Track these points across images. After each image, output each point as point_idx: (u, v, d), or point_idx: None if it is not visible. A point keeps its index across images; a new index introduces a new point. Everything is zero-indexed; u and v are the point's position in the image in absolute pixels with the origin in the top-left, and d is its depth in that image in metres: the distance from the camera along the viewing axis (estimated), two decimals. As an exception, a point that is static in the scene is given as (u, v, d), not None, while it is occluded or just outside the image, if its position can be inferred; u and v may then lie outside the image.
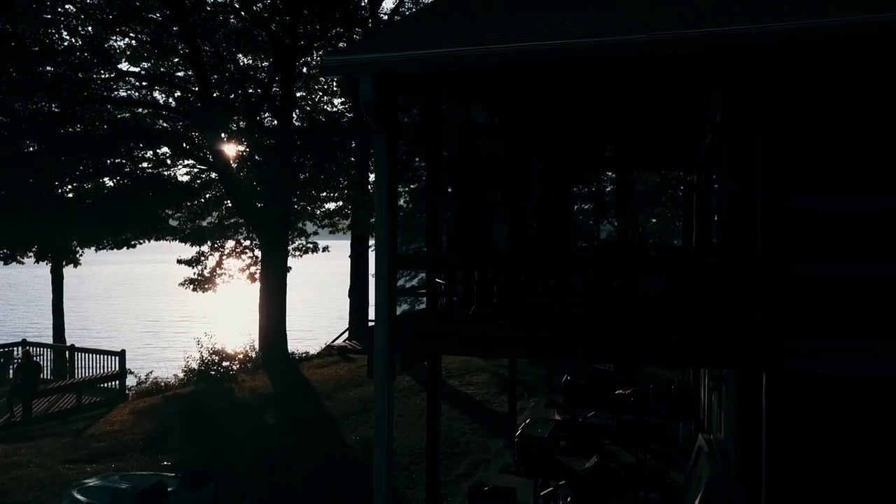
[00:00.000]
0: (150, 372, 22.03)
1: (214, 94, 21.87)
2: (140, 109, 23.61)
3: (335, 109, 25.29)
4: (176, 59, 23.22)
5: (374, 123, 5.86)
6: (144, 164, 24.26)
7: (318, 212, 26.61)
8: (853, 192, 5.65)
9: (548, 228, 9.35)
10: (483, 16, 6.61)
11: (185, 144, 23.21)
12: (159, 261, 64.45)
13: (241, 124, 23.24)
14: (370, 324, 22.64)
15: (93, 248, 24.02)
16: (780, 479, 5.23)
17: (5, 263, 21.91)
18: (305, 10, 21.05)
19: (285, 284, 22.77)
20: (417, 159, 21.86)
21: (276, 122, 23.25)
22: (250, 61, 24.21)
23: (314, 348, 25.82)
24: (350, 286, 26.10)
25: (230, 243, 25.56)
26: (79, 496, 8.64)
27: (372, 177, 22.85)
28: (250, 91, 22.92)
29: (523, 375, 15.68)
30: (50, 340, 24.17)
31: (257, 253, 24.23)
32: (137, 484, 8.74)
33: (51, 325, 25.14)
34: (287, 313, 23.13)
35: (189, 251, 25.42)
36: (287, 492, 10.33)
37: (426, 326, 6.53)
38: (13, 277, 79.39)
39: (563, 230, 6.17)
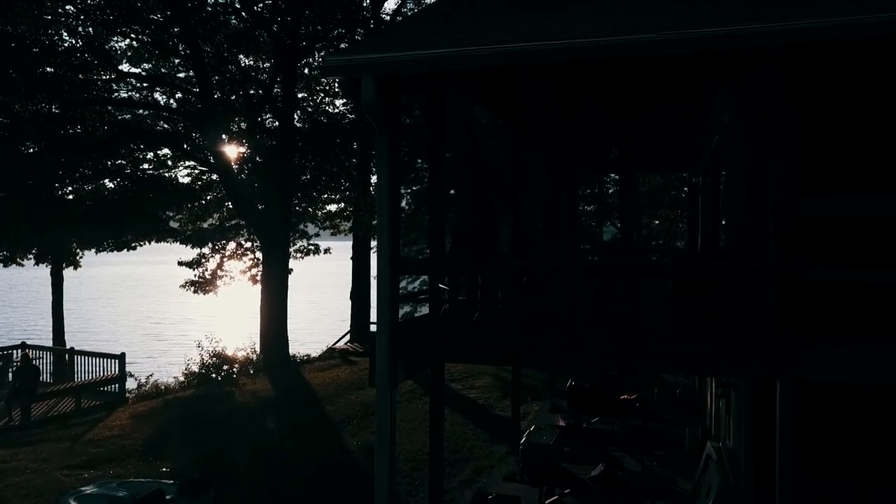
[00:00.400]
0: (151, 374, 21.88)
1: (215, 96, 21.77)
2: (141, 111, 23.50)
3: (337, 111, 25.18)
4: (177, 61, 23.14)
5: (376, 125, 5.72)
6: (145, 166, 24.18)
7: (320, 213, 26.48)
8: (869, 195, 5.50)
9: (554, 232, 9.22)
10: (487, 15, 6.47)
11: (185, 146, 23.10)
12: (160, 262, 64.32)
13: (243, 125, 23.14)
14: (372, 329, 22.53)
15: (93, 250, 23.89)
16: (794, 490, 5.08)
17: (5, 266, 21.79)
18: (307, 10, 20.94)
19: (286, 286, 22.64)
20: (420, 161, 21.73)
21: (277, 123, 23.14)
22: (252, 62, 24.12)
23: (316, 350, 25.68)
24: (352, 288, 25.97)
25: (231, 245, 25.46)
26: (75, 504, 8.51)
27: (374, 178, 22.74)
28: (251, 92, 22.82)
29: (526, 379, 15.53)
30: (50, 343, 24.05)
31: (258, 255, 24.10)
32: (135, 491, 8.58)
33: (51, 327, 25.03)
34: (288, 315, 23.01)
35: (190, 253, 25.34)
36: (288, 498, 10.19)
37: (429, 333, 6.38)
38: (14, 278, 79.38)
39: (571, 236, 6.02)
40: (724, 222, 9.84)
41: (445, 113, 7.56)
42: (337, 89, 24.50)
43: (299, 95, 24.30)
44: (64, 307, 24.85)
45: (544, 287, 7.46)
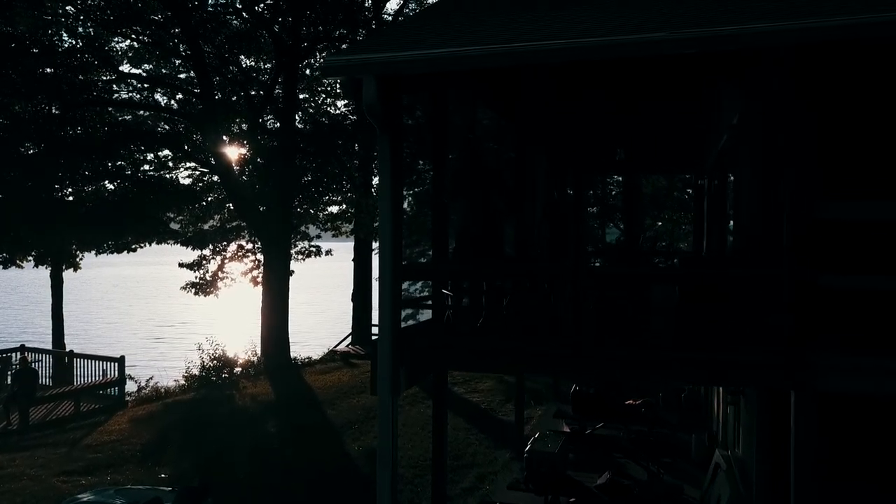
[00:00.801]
0: (151, 377, 21.74)
1: (216, 96, 21.61)
2: (141, 112, 23.35)
3: (338, 112, 25.02)
4: (178, 61, 22.98)
5: (377, 126, 5.57)
6: (146, 167, 24.02)
7: (321, 215, 26.32)
8: (886, 199, 5.33)
9: (557, 235, 9.04)
10: (489, 15, 6.33)
11: (186, 147, 22.95)
12: (161, 262, 64.20)
13: (244, 126, 23.00)
14: (374, 336, 22.38)
15: (93, 252, 23.75)
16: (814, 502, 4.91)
17: (4, 268, 21.66)
18: (308, 10, 20.79)
19: (288, 288, 22.48)
20: (422, 162, 21.58)
21: (278, 124, 22.99)
22: (253, 63, 23.96)
23: (317, 352, 25.54)
24: (353, 290, 25.81)
25: (232, 247, 25.32)
26: (71, 512, 8.34)
27: (375, 180, 22.58)
28: (252, 93, 22.67)
29: (530, 383, 15.36)
30: (49, 345, 23.91)
31: (259, 256, 23.95)
32: (132, 499, 8.41)
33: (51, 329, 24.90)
34: (290, 317, 22.84)
35: (191, 254, 25.17)
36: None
37: (432, 340, 6.22)
38: (15, 279, 79.29)
39: (579, 240, 5.85)
40: (730, 225, 9.68)
41: (448, 114, 7.42)
42: (338, 90, 24.36)
43: (300, 96, 24.16)
44: (64, 309, 24.72)
45: (550, 292, 7.30)
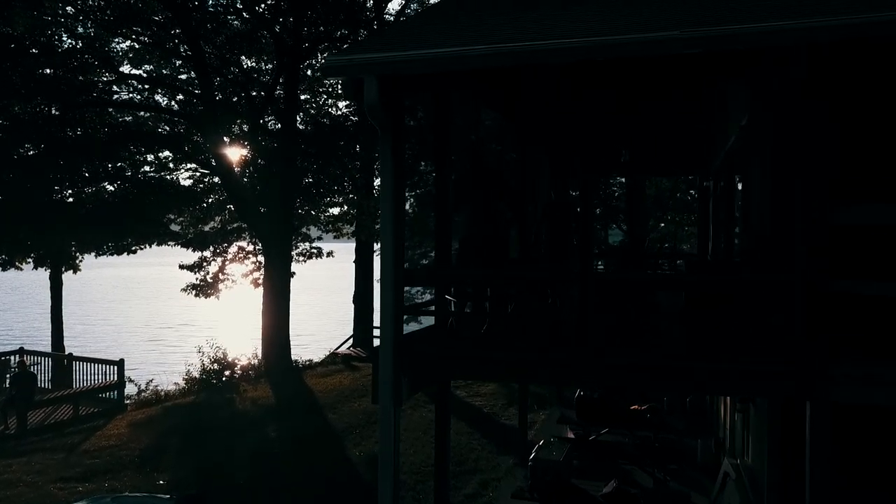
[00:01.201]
0: (151, 380, 21.59)
1: (217, 97, 21.47)
2: (142, 113, 23.23)
3: (339, 113, 24.89)
4: (178, 62, 22.85)
5: (379, 128, 5.41)
6: (146, 168, 23.90)
7: (322, 216, 26.18)
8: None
9: (559, 237, 8.89)
10: (493, 15, 6.18)
11: (187, 148, 22.82)
12: (162, 263, 64.07)
13: (244, 127, 22.86)
14: (375, 337, 22.20)
15: (93, 254, 23.64)
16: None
17: (3, 269, 21.54)
18: (309, 11, 20.64)
19: (289, 290, 22.33)
20: (423, 163, 21.42)
21: (279, 125, 22.85)
22: (253, 63, 23.82)
23: (318, 355, 25.39)
24: (354, 292, 25.66)
25: (233, 248, 25.18)
26: (66, 521, 8.20)
27: (377, 181, 22.44)
28: (253, 94, 22.53)
29: (533, 387, 15.18)
30: (49, 347, 23.79)
31: (260, 258, 23.81)
32: (129, 508, 8.29)
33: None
34: (291, 318, 22.68)
35: (191, 256, 25.04)
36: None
37: (435, 348, 6.04)
38: (16, 280, 79.20)
39: (587, 244, 5.68)
40: (739, 228, 9.51)
41: (450, 115, 7.27)
42: (339, 91, 24.21)
43: (302, 97, 24.02)
44: (63, 311, 24.60)
45: (555, 297, 7.13)
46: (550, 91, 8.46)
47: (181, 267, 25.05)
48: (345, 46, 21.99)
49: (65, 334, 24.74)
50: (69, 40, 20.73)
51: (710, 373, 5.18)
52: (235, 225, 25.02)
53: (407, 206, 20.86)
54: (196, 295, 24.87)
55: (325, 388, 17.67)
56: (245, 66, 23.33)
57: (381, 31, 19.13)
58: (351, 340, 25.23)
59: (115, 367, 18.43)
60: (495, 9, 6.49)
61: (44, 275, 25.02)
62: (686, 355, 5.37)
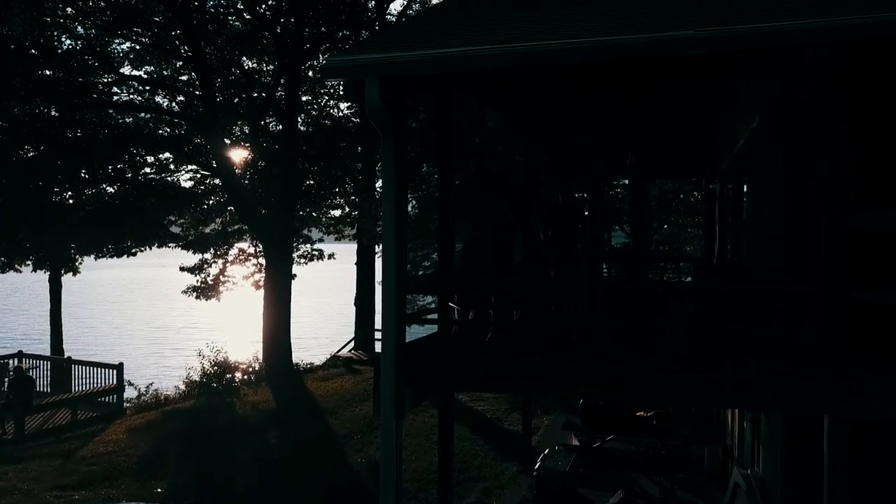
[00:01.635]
0: (151, 383, 21.39)
1: (218, 98, 21.31)
2: (142, 114, 23.08)
3: (341, 114, 24.72)
4: (179, 63, 22.69)
5: (380, 130, 5.23)
6: (146, 170, 23.76)
7: (324, 218, 26.01)
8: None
9: (562, 240, 8.71)
10: (496, 15, 6.00)
11: (187, 149, 22.67)
12: (162, 265, 63.92)
13: (245, 129, 22.71)
14: (377, 339, 22.00)
15: (92, 256, 23.49)
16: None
17: (2, 272, 21.39)
18: (310, 11, 20.48)
19: (290, 293, 22.16)
20: (426, 165, 21.24)
21: (280, 126, 22.69)
22: (254, 64, 23.67)
23: (319, 357, 25.22)
24: (356, 295, 25.49)
25: (234, 250, 25.02)
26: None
27: (379, 183, 22.25)
28: (254, 95, 22.37)
29: (536, 392, 15.00)
30: (48, 349, 23.62)
31: (261, 260, 23.65)
32: (125, 518, 8.12)
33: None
34: (292, 322, 22.51)
35: (192, 258, 24.89)
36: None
37: (439, 359, 5.85)
38: (17, 282, 79.11)
39: (596, 249, 5.50)
40: (748, 233, 9.32)
41: (453, 116, 7.09)
42: (341, 92, 24.04)
43: (303, 98, 23.86)
44: (63, 314, 24.44)
45: (562, 305, 6.95)
46: (556, 92, 8.28)
47: (182, 269, 24.91)
48: (346, 47, 21.82)
49: (64, 337, 24.59)
50: (69, 41, 20.61)
51: (725, 385, 4.99)
52: (236, 227, 24.87)
53: (409, 208, 20.69)
54: (197, 297, 24.72)
55: (327, 392, 17.49)
56: (246, 67, 23.18)
57: (382, 32, 18.96)
58: (352, 343, 25.06)
59: (115, 371, 18.27)
60: (497, 9, 6.32)
61: (42, 276, 24.88)
62: (695, 366, 5.18)
